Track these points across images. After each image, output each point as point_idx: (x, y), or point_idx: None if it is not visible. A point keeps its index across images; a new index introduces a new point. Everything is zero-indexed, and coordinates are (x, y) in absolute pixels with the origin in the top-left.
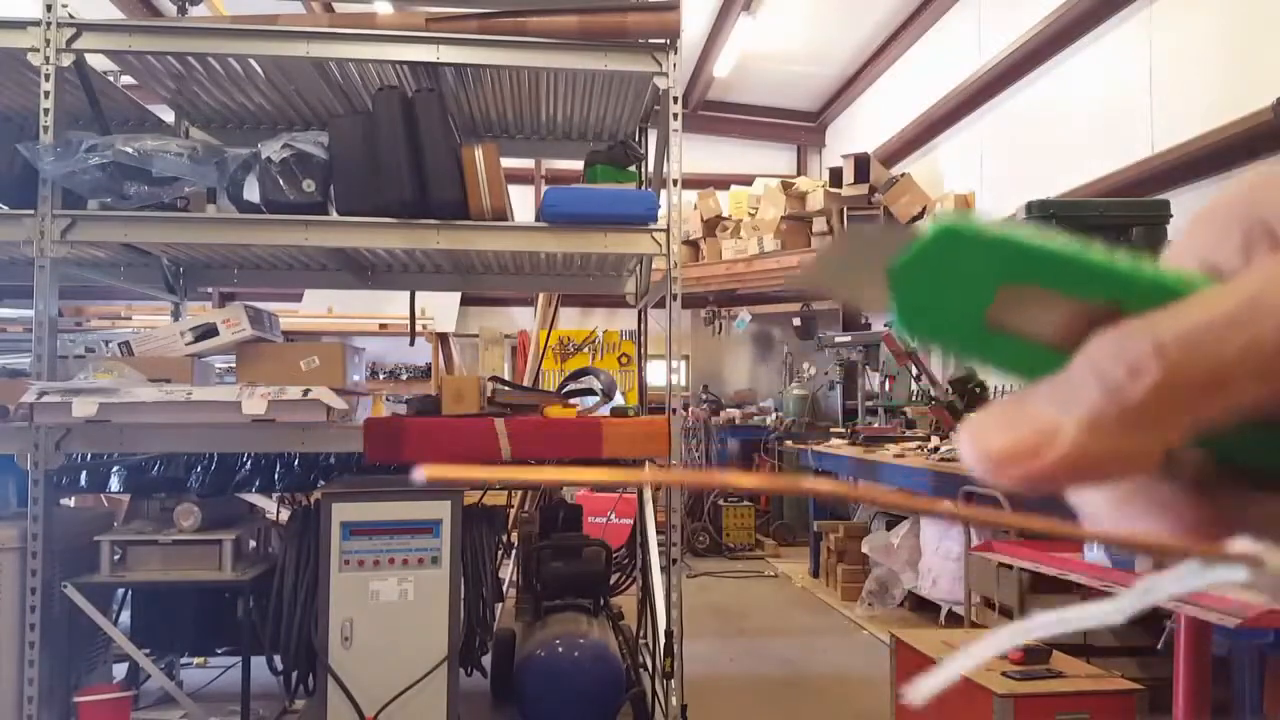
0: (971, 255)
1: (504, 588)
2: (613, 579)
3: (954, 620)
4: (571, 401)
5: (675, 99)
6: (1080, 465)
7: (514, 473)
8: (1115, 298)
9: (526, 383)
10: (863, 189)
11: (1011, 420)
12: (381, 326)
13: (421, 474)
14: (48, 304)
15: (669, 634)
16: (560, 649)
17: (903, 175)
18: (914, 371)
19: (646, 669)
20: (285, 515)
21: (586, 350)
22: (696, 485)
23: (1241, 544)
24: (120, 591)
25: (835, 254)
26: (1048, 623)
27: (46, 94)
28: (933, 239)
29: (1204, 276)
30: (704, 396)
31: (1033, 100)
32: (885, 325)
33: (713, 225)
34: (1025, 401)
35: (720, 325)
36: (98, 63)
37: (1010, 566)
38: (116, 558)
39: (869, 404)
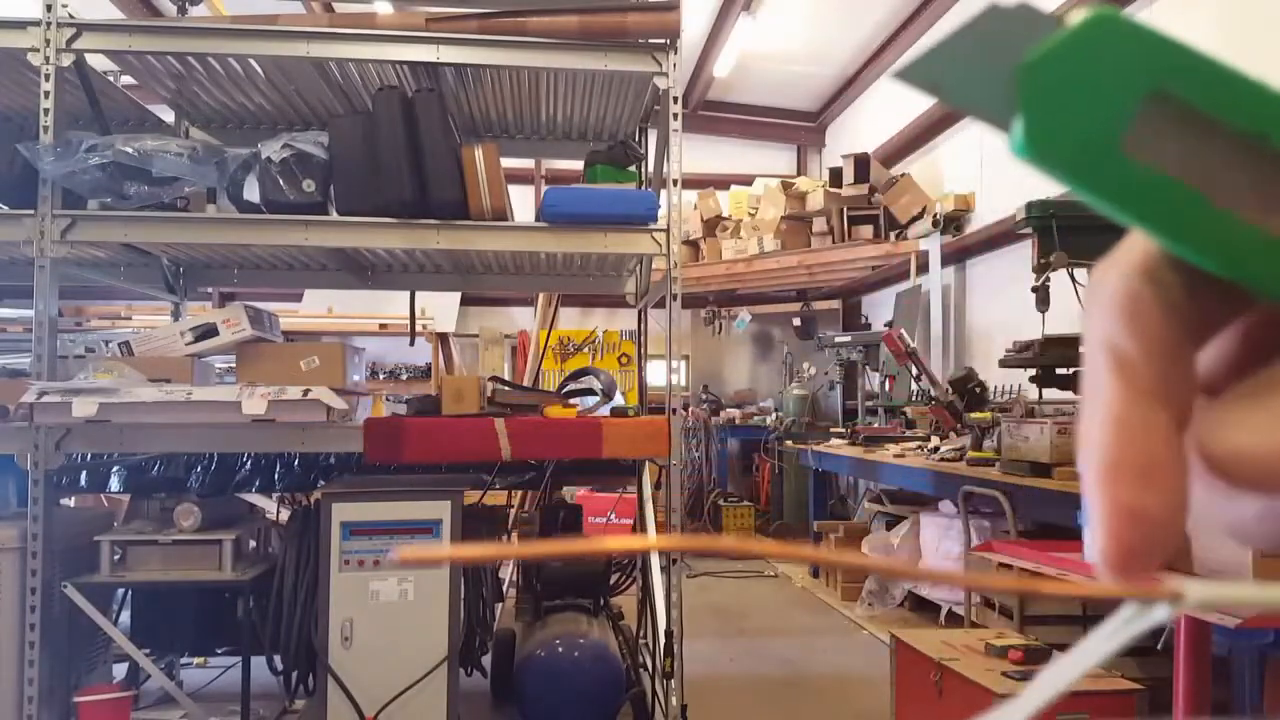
0: (1125, 56)
1: (504, 588)
2: (613, 579)
3: (954, 620)
4: (571, 401)
5: (675, 99)
6: None
7: (531, 549)
8: (1267, 131)
9: (526, 383)
10: (863, 189)
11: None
12: (381, 326)
13: (449, 552)
14: (48, 304)
15: (669, 634)
16: (560, 649)
17: (903, 175)
18: (914, 371)
19: (646, 669)
20: (285, 515)
21: (586, 350)
22: (701, 551)
23: (1170, 582)
24: (120, 591)
25: (955, 42)
26: None
27: (46, 94)
28: (1085, 27)
29: None
30: (704, 396)
31: None
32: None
33: (713, 225)
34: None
35: (720, 325)
36: (98, 63)
37: (1010, 566)
38: (116, 558)
39: (869, 404)
